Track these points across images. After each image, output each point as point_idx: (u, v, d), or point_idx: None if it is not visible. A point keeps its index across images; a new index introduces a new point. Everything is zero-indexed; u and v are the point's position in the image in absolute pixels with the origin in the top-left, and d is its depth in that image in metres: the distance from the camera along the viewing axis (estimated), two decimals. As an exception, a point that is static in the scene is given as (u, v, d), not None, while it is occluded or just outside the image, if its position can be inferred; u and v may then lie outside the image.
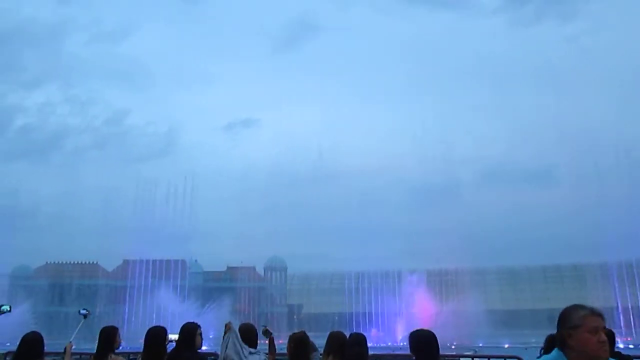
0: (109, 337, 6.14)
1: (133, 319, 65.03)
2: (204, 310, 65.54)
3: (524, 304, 79.23)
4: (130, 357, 6.24)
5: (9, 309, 7.07)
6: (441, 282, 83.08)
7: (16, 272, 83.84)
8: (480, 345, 48.96)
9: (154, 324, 6.15)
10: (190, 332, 5.75)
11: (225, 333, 6.03)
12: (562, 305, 3.46)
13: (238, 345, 5.85)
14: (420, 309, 58.68)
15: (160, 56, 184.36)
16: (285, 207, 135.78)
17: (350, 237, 68.33)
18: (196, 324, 5.89)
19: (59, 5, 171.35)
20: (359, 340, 5.61)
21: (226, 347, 5.88)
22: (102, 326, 6.49)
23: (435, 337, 4.80)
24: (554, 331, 3.36)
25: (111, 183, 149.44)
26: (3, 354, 6.87)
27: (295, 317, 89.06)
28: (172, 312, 55.42)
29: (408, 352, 4.90)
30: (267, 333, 6.40)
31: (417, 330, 4.87)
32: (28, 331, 6.25)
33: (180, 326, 5.90)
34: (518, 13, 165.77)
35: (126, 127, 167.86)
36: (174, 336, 6.15)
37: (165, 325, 6.16)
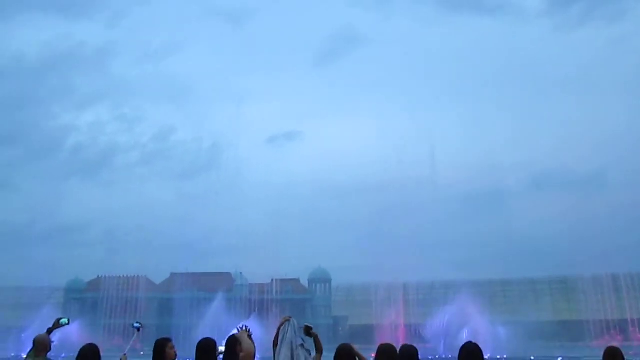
0: (159, 349, 6.24)
1: (181, 331, 66.11)
2: (249, 322, 66.00)
3: (578, 315, 76.37)
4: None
5: (67, 322, 7.29)
6: (490, 293, 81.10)
7: (70, 286, 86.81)
8: (532, 358, 47.44)
9: (200, 336, 6.24)
10: (230, 343, 5.87)
11: (282, 324, 6.28)
12: (621, 316, 3.25)
13: (295, 333, 6.15)
14: (467, 321, 57.36)
15: (203, 72, 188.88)
16: (329, 219, 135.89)
17: (396, 249, 67.63)
18: (234, 336, 5.93)
19: (106, 29, 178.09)
20: (411, 354, 5.49)
21: (286, 333, 6.12)
22: (150, 338, 6.63)
23: (481, 350, 4.82)
24: (612, 343, 3.17)
25: (158, 198, 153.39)
26: None
27: (340, 329, 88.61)
28: (218, 324, 56.04)
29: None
30: (309, 331, 6.38)
31: (465, 343, 4.91)
32: (85, 343, 6.47)
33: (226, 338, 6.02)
34: (563, 16, 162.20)
35: (172, 144, 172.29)
36: (223, 348, 6.24)
37: (211, 337, 6.25)
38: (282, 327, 6.24)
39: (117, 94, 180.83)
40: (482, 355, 4.79)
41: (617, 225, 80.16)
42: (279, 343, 6.12)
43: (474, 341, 5.02)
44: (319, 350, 6.37)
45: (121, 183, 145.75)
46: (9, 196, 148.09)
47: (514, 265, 69.63)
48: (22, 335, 59.52)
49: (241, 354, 5.56)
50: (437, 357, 48.75)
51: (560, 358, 48.23)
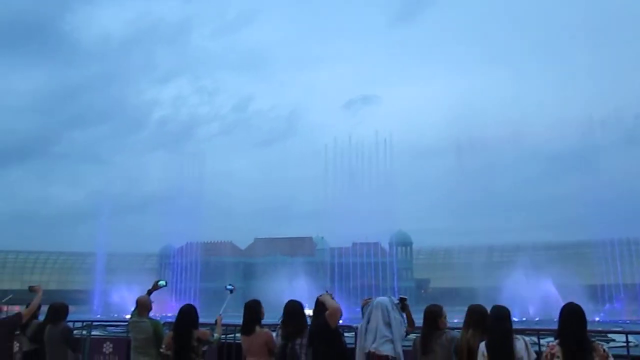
0: (253, 310, 6.53)
1: (264, 294, 68.91)
2: (332, 286, 67.29)
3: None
4: (271, 329, 6.59)
5: (165, 284, 7.76)
6: (579, 255, 77.73)
7: (162, 252, 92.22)
8: (628, 321, 45.28)
9: (283, 300, 6.45)
10: (318, 305, 6.00)
11: (363, 306, 6.26)
12: None
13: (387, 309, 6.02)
14: (554, 283, 55.46)
15: (279, 40, 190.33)
16: (410, 182, 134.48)
17: (478, 210, 66.02)
18: (319, 299, 6.02)
19: (183, 3, 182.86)
20: (503, 315, 5.27)
21: (371, 312, 6.05)
22: (236, 300, 6.97)
23: (584, 312, 4.70)
24: None
25: (240, 166, 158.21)
26: (162, 324, 7.58)
27: (422, 291, 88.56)
28: (301, 287, 57.62)
29: (543, 327, 4.71)
30: (404, 303, 6.29)
31: (568, 304, 4.77)
32: (179, 305, 6.91)
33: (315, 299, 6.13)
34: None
35: (251, 113, 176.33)
36: (308, 311, 6.37)
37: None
38: (364, 309, 6.28)
39: (196, 66, 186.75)
40: (585, 317, 4.66)
41: None
42: (365, 323, 6.10)
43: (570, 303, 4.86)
44: (411, 324, 6.32)
45: (204, 153, 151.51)
46: (102, 169, 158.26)
47: (606, 225, 65.82)
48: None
49: (326, 312, 5.77)
50: (524, 319, 47.66)
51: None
